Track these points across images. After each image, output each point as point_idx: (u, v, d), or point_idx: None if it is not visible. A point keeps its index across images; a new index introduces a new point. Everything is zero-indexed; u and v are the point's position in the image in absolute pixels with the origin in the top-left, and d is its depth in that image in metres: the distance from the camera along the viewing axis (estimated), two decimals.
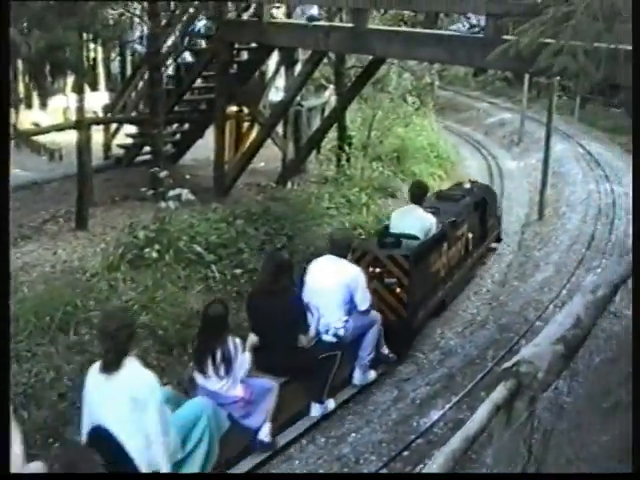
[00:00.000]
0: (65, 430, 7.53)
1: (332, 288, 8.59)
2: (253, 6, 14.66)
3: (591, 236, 15.83)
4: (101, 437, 6.21)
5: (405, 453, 8.06)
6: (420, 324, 10.62)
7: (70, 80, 16.17)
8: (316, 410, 8.38)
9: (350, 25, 12.13)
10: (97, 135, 15.14)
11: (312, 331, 8.43)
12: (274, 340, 8.03)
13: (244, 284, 10.71)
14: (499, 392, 3.57)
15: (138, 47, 21.79)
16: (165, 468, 6.21)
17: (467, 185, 14.14)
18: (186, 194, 11.02)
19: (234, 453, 7.34)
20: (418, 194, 10.95)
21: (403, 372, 9.92)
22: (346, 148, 17.24)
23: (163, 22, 14.26)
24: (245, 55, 16.87)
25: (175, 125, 17.32)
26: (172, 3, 16.90)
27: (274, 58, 16.94)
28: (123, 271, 10.18)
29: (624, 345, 9.28)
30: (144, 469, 6.16)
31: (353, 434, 8.37)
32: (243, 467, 7.37)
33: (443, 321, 11.51)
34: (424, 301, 10.50)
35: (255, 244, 11.64)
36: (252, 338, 8.18)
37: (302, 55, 16.16)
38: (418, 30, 13.15)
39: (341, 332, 8.63)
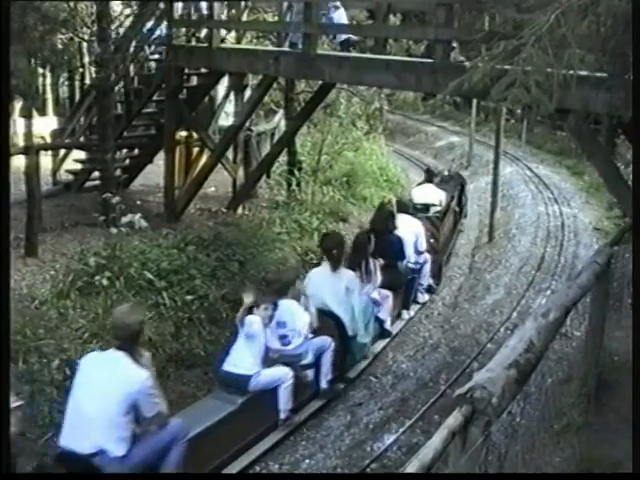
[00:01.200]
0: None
1: (410, 237, 12.18)
2: (203, 31, 14.69)
3: (541, 258, 15.98)
4: (325, 313, 9.49)
5: None
6: (444, 263, 14.85)
7: (18, 105, 16.04)
8: (406, 314, 12.42)
9: (300, 50, 12.18)
10: (45, 160, 15.03)
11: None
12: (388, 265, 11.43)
13: (196, 310, 10.65)
14: (454, 418, 3.58)
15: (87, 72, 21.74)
16: (361, 330, 10.04)
17: (447, 173, 18.64)
18: (139, 220, 10.94)
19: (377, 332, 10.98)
20: (428, 178, 15.98)
21: (356, 397, 9.93)
22: (296, 173, 17.27)
23: (112, 47, 14.19)
24: (195, 80, 16.87)
25: (125, 150, 17.24)
26: (120, 29, 16.91)
27: (224, 83, 16.95)
28: (73, 298, 10.06)
29: (575, 366, 9.39)
30: (350, 333, 9.78)
31: (307, 460, 8.35)
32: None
33: (395, 345, 11.54)
34: (444, 248, 14.97)
35: (207, 270, 11.58)
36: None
37: (252, 80, 16.19)
38: (367, 55, 13.21)
39: (415, 264, 12.49)
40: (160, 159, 16.13)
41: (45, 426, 7.83)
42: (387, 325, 11.30)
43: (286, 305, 8.89)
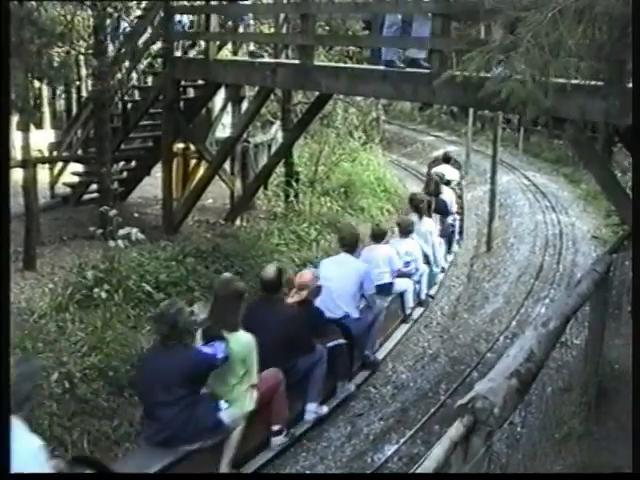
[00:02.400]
0: None
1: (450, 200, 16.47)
2: (200, 43, 14.72)
3: (539, 267, 15.98)
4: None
5: None
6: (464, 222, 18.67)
7: (15, 119, 16.06)
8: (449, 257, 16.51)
9: (296, 62, 12.19)
10: (43, 174, 15.03)
11: None
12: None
13: None
14: (456, 429, 3.57)
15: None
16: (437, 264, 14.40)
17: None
18: (136, 233, 10.92)
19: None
20: (445, 160, 19.68)
21: (356, 407, 9.90)
22: (294, 184, 17.25)
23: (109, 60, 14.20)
24: (192, 92, 16.89)
25: (122, 163, 17.25)
26: (117, 42, 16.93)
27: (221, 95, 16.96)
28: (72, 312, 10.03)
29: (575, 375, 9.38)
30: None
31: (308, 472, 8.31)
32: None
33: (395, 355, 11.52)
34: (463, 211, 19.03)
35: (205, 282, 11.57)
36: None
37: (249, 92, 16.21)
38: (364, 66, 13.22)
39: (453, 221, 16.85)
40: (158, 171, 16.14)
41: (45, 440, 7.79)
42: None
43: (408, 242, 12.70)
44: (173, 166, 15.53)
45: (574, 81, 7.59)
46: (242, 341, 7.51)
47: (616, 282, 9.43)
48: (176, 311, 7.28)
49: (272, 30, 16.81)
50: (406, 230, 12.81)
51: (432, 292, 14.09)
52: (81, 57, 20.04)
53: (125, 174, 17.35)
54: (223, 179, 15.91)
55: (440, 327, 12.87)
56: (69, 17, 15.44)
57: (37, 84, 22.14)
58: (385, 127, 29.99)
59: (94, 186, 15.50)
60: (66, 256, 12.80)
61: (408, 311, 12.64)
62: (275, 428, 8.23)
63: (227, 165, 16.20)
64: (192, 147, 16.41)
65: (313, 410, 8.95)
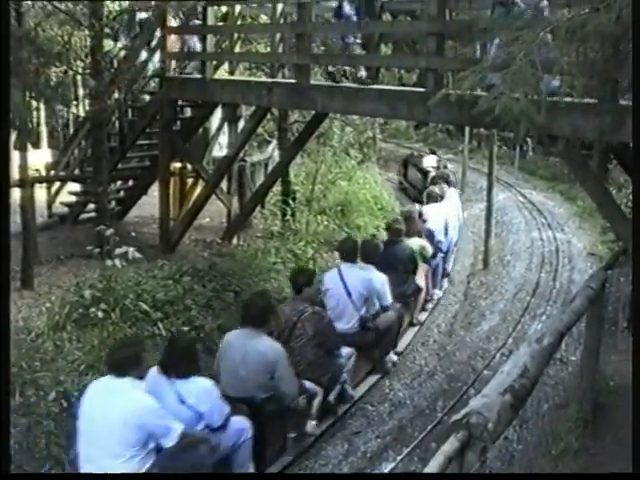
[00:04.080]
0: None
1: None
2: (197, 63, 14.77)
3: (536, 284, 15.99)
4: None
5: None
6: None
7: (12, 138, 16.08)
8: None
9: (292, 81, 12.26)
10: (40, 193, 15.05)
11: None
12: None
13: None
14: (450, 444, 3.60)
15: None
16: None
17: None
18: (133, 252, 10.95)
19: None
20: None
21: (353, 425, 9.91)
22: (291, 202, 17.28)
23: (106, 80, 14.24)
24: (188, 112, 16.94)
25: (119, 182, 17.28)
26: (115, 61, 16.99)
27: (217, 114, 17.02)
28: (69, 331, 10.06)
29: (571, 391, 9.41)
30: None
31: None
32: None
33: (391, 373, 11.53)
34: None
35: (202, 301, 11.60)
36: None
37: (245, 111, 16.26)
38: (359, 85, 13.30)
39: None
40: (154, 190, 16.17)
41: (42, 459, 7.82)
42: None
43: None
44: (170, 185, 15.55)
45: (567, 99, 7.66)
46: None
47: (612, 298, 9.49)
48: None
49: (268, 49, 16.88)
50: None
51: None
52: (78, 77, 20.12)
53: (122, 193, 17.37)
54: (220, 198, 15.94)
55: (437, 345, 12.88)
56: (67, 37, 15.50)
57: (34, 103, 22.15)
58: (381, 145, 30.06)
59: (91, 205, 15.52)
60: (63, 275, 12.81)
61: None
62: None
63: (224, 184, 16.23)
64: (189, 166, 16.45)
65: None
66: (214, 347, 10.81)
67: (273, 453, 8.62)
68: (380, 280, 10.80)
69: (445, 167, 19.43)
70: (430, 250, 13.92)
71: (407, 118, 16.57)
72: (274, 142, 19.43)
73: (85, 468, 6.66)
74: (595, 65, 7.40)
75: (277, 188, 17.57)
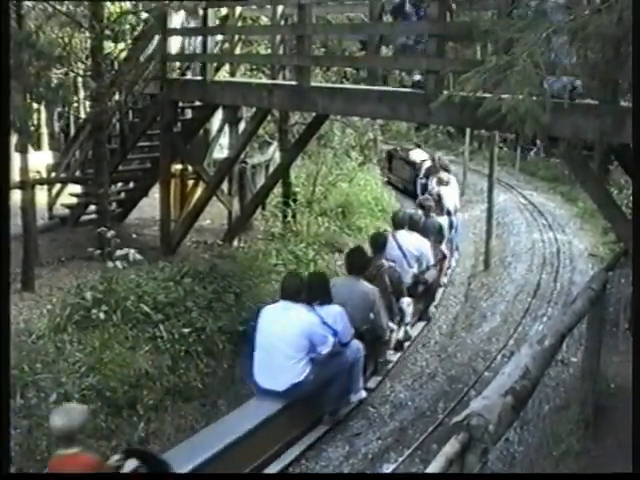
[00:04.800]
0: None
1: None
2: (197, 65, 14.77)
3: (537, 285, 15.97)
4: None
5: None
6: None
7: (13, 140, 16.09)
8: None
9: (293, 83, 12.26)
10: (41, 195, 15.07)
11: None
12: None
13: (192, 343, 10.66)
14: (451, 446, 3.59)
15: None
16: None
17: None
18: (133, 254, 10.95)
19: None
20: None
21: (354, 427, 9.90)
22: (291, 204, 17.29)
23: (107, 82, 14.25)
24: (189, 113, 16.95)
25: (120, 184, 17.28)
26: (115, 63, 16.99)
27: (218, 116, 17.02)
28: (70, 332, 10.06)
29: (572, 392, 9.40)
30: None
31: None
32: None
33: (393, 375, 11.53)
34: None
35: (203, 303, 11.59)
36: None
37: (246, 113, 16.26)
38: (360, 87, 13.29)
39: None
40: (155, 192, 16.17)
41: (43, 461, 7.81)
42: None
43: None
44: (171, 187, 15.55)
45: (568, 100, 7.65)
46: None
47: (613, 299, 9.47)
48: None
49: (268, 51, 16.88)
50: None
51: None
52: (79, 79, 20.13)
53: (123, 195, 17.39)
54: (221, 200, 15.95)
55: (438, 346, 12.88)
56: (67, 39, 15.51)
57: (35, 106, 22.17)
58: (382, 147, 30.02)
59: (92, 207, 15.54)
60: (64, 277, 12.82)
61: None
62: None
63: (225, 186, 16.25)
64: (190, 168, 16.45)
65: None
66: (215, 349, 10.89)
67: (369, 373, 10.99)
68: (426, 244, 13.30)
69: (440, 158, 20.27)
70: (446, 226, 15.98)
71: (408, 119, 16.55)
72: (275, 144, 19.44)
73: (261, 374, 9.00)
74: (596, 66, 7.40)
75: (278, 190, 17.58)
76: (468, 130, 26.13)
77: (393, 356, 11.81)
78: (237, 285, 12.59)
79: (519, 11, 8.27)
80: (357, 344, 9.69)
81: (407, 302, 11.88)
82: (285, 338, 8.85)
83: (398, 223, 13.47)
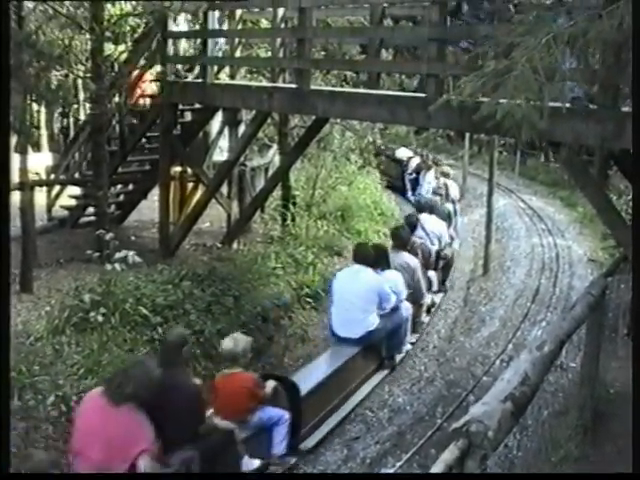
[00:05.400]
0: None
1: None
2: (197, 68, 14.78)
3: (536, 290, 15.96)
4: None
5: None
6: None
7: (13, 141, 16.08)
8: None
9: (293, 86, 12.24)
10: (40, 196, 15.05)
11: None
12: None
13: (191, 346, 10.63)
14: (450, 452, 3.58)
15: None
16: None
17: None
18: (132, 256, 10.94)
19: None
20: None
21: (352, 431, 9.90)
22: (291, 207, 17.27)
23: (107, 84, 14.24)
24: (189, 116, 16.93)
25: (119, 186, 17.27)
26: (116, 64, 16.99)
27: (218, 118, 17.02)
28: (68, 335, 10.05)
29: (571, 398, 9.39)
30: None
31: None
32: None
33: (391, 379, 11.52)
34: None
35: (202, 305, 11.59)
36: None
37: (246, 115, 16.25)
38: (360, 90, 13.28)
39: None
40: (154, 195, 16.16)
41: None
42: None
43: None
44: (170, 189, 15.53)
45: (568, 105, 7.64)
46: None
47: (612, 305, 9.45)
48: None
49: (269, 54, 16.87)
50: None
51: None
52: (79, 81, 20.13)
53: (122, 197, 17.38)
54: (220, 202, 15.93)
55: (436, 350, 12.86)
56: (67, 41, 15.48)
57: (35, 107, 22.17)
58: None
59: (91, 209, 15.52)
60: (63, 279, 12.80)
61: None
62: None
63: (224, 188, 16.23)
64: (189, 170, 16.42)
65: None
66: (213, 352, 10.87)
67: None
68: (444, 225, 15.75)
69: (427, 155, 24.14)
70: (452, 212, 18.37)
71: (407, 123, 16.51)
72: (274, 147, 19.42)
73: (339, 325, 10.93)
74: (597, 72, 7.39)
75: (277, 193, 17.56)
76: (468, 134, 26.11)
77: (425, 318, 13.87)
78: (236, 288, 12.58)
79: (520, 16, 8.25)
80: (407, 304, 11.93)
81: (434, 274, 14.33)
82: (360, 294, 10.85)
83: (421, 207, 16.15)
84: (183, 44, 15.54)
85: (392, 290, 11.28)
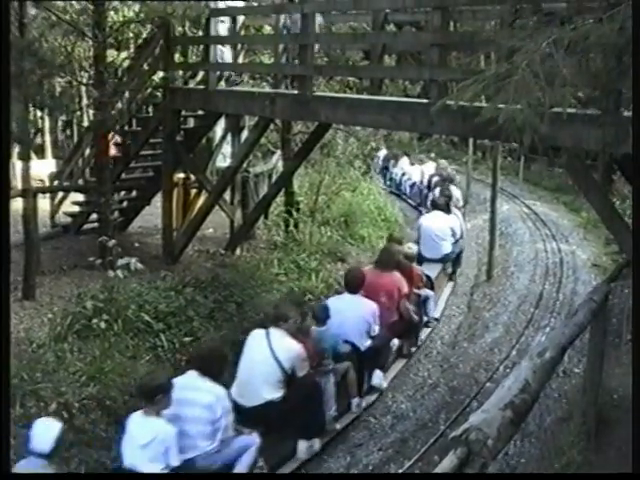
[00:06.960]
0: None
1: None
2: (200, 74, 14.78)
3: (539, 295, 15.93)
4: None
5: None
6: None
7: (16, 148, 16.11)
8: None
9: (296, 92, 12.24)
10: (43, 203, 15.06)
11: None
12: None
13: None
14: (449, 461, 3.54)
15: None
16: None
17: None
18: (135, 263, 10.94)
19: None
20: None
21: (355, 437, 9.87)
22: (294, 213, 17.27)
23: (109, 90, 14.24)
24: (192, 122, 16.94)
25: (122, 193, 17.28)
26: (119, 70, 17.01)
27: (221, 125, 17.02)
28: (71, 342, 10.06)
29: (574, 404, 9.35)
30: None
31: None
32: None
33: (394, 385, 11.48)
34: None
35: (204, 312, 11.59)
36: None
37: (249, 122, 16.25)
38: (362, 96, 13.27)
39: None
40: (158, 201, 16.17)
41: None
42: None
43: None
44: (173, 196, 15.53)
45: (570, 110, 7.61)
46: None
47: (615, 310, 9.41)
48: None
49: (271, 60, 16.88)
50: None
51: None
52: (82, 87, 20.16)
53: (125, 204, 17.38)
54: (223, 209, 15.94)
55: (440, 356, 12.83)
56: (70, 48, 15.51)
57: (39, 114, 22.21)
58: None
59: (94, 216, 15.53)
60: (65, 286, 12.81)
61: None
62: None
63: (227, 195, 16.24)
64: (192, 177, 16.43)
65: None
66: None
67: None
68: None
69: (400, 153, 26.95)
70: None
71: (410, 129, 16.51)
72: (278, 153, 19.41)
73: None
74: (598, 76, 7.37)
75: (280, 199, 17.58)
76: (471, 140, 26.11)
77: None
78: (239, 294, 12.58)
79: (521, 21, 8.24)
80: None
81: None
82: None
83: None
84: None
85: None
